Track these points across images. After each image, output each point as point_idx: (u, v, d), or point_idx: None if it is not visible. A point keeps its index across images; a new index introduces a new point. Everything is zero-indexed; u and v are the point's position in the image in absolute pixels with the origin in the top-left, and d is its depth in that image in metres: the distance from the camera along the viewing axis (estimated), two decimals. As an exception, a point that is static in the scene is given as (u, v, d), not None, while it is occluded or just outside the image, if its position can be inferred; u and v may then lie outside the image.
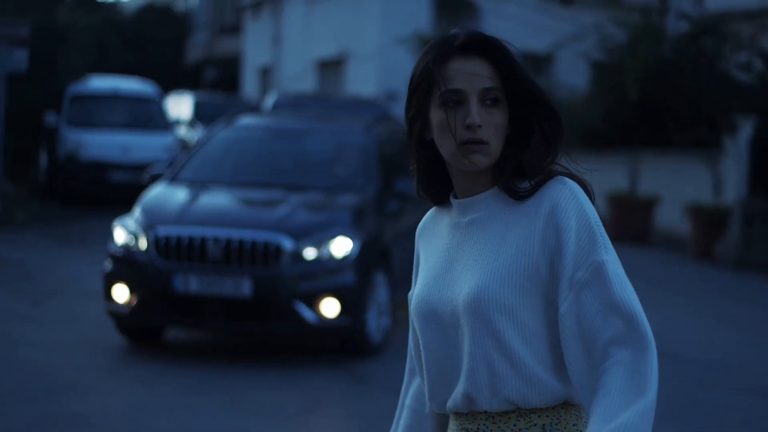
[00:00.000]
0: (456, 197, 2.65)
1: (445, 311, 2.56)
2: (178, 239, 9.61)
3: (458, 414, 2.61)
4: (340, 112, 14.11)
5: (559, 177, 2.55)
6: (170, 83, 38.14)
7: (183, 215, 9.86)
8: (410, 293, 2.73)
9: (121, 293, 9.70)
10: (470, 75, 2.50)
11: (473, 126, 2.48)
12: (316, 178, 10.89)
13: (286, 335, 9.98)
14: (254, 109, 21.67)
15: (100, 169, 21.84)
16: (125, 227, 9.91)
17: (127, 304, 9.68)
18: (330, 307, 9.51)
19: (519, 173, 2.56)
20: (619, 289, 2.45)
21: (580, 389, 2.46)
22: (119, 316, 9.83)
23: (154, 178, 11.23)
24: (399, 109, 24.57)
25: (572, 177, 2.59)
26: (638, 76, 20.15)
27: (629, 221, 19.68)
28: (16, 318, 11.32)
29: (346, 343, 9.91)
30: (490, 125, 2.50)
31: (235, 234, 9.57)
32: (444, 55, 2.53)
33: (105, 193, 21.91)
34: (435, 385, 2.64)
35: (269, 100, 20.21)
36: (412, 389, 2.83)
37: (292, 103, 18.59)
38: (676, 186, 20.15)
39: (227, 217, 9.88)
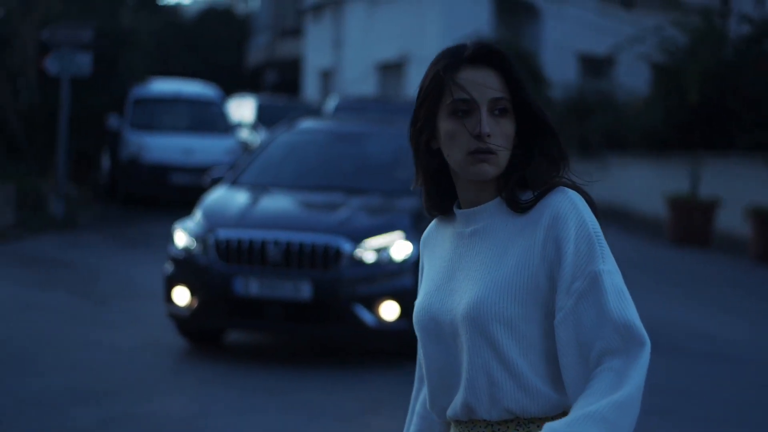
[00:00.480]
0: (459, 207, 2.67)
1: (445, 321, 2.58)
2: (239, 242, 9.70)
3: (458, 422, 2.63)
4: (400, 115, 14.17)
5: (561, 187, 2.55)
6: (231, 86, 38.40)
7: (243, 218, 9.95)
8: (416, 303, 2.75)
9: (181, 296, 9.80)
10: (480, 85, 2.52)
11: (483, 135, 2.50)
12: (376, 181, 10.94)
13: (345, 338, 10.04)
14: (316, 112, 21.78)
15: (162, 171, 22.03)
16: (186, 230, 10.02)
17: (188, 307, 9.78)
18: (389, 310, 9.57)
19: (522, 184, 2.58)
20: (615, 300, 2.45)
21: (572, 398, 2.47)
22: (180, 318, 9.93)
23: (215, 182, 11.34)
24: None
25: (574, 187, 2.58)
26: (699, 79, 20.05)
27: (689, 224, 19.57)
28: (80, 319, 11.47)
29: (405, 346, 9.96)
30: (499, 135, 2.52)
31: (295, 237, 9.65)
32: (454, 65, 2.55)
33: (166, 196, 22.09)
34: (435, 393, 2.66)
35: (331, 103, 20.30)
36: (421, 396, 2.84)
37: (353, 106, 18.67)
38: (737, 188, 20.02)
39: (287, 221, 9.95)
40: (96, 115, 22.57)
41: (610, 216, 22.63)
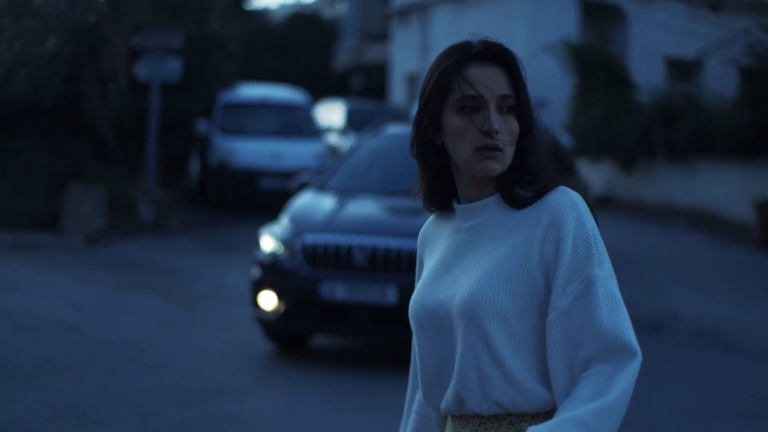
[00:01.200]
0: (459, 203, 2.69)
1: (440, 313, 2.60)
2: (325, 247, 9.81)
3: (453, 417, 2.66)
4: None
5: (562, 187, 2.57)
6: (317, 90, 38.61)
7: (330, 223, 10.05)
8: (413, 296, 2.77)
9: (268, 300, 9.93)
10: (489, 82, 2.54)
11: (491, 132, 2.52)
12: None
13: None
14: (403, 117, 21.84)
15: (250, 176, 22.24)
16: (273, 235, 10.15)
17: (275, 311, 9.90)
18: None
19: (521, 181, 2.60)
20: (607, 308, 2.47)
21: (558, 399, 2.50)
22: (267, 322, 10.07)
23: (302, 186, 11.46)
24: (547, 117, 24.54)
25: (574, 188, 2.60)
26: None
27: (777, 228, 19.38)
28: (171, 322, 11.67)
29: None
30: (506, 132, 2.54)
31: (381, 242, 9.74)
32: (463, 61, 2.57)
33: (254, 200, 22.29)
34: (429, 385, 2.68)
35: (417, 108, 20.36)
36: (418, 394, 2.85)
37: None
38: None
39: (374, 226, 10.04)
40: (185, 120, 22.86)
41: (696, 220, 22.47)
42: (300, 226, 10.10)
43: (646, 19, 30.89)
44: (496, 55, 2.57)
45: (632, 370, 2.45)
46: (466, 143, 2.55)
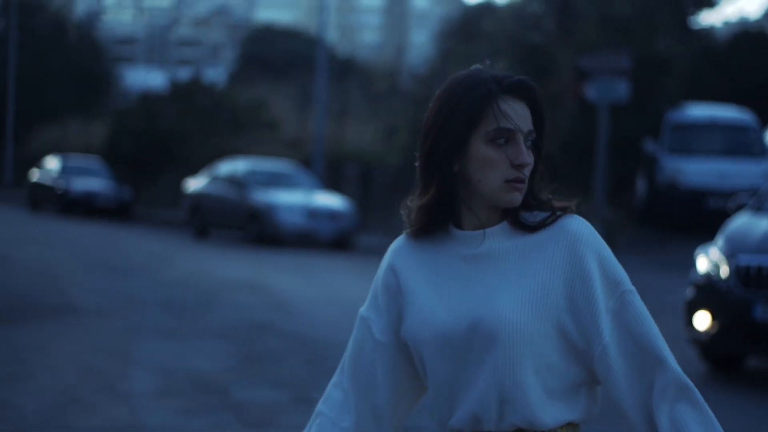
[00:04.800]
0: (459, 228, 2.69)
1: (457, 337, 2.62)
2: (759, 269, 9.76)
3: None
4: None
5: (573, 215, 2.62)
6: (764, 110, 37.57)
7: (765, 244, 9.97)
8: (363, 311, 2.78)
9: (702, 320, 9.99)
10: (520, 116, 2.59)
11: (524, 165, 2.58)
12: None
13: None
14: None
15: (698, 196, 22.15)
16: (707, 255, 10.20)
17: (708, 332, 9.96)
18: None
19: (529, 208, 2.64)
20: (647, 315, 2.62)
21: (629, 410, 2.62)
22: (700, 342, 10.12)
23: (739, 207, 11.42)
24: None
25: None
26: None
27: None
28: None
29: None
30: (530, 166, 2.60)
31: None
32: (497, 93, 2.59)
33: (702, 220, 22.15)
34: (438, 403, 2.70)
35: None
36: (334, 398, 2.82)
37: None
38: None
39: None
40: (632, 140, 23.03)
41: None
42: (735, 246, 10.08)
43: None
44: (524, 90, 2.62)
45: (701, 398, 2.62)
46: (496, 174, 2.58)
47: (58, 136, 44.13)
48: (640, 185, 25.33)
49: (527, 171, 2.58)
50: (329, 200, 24.86)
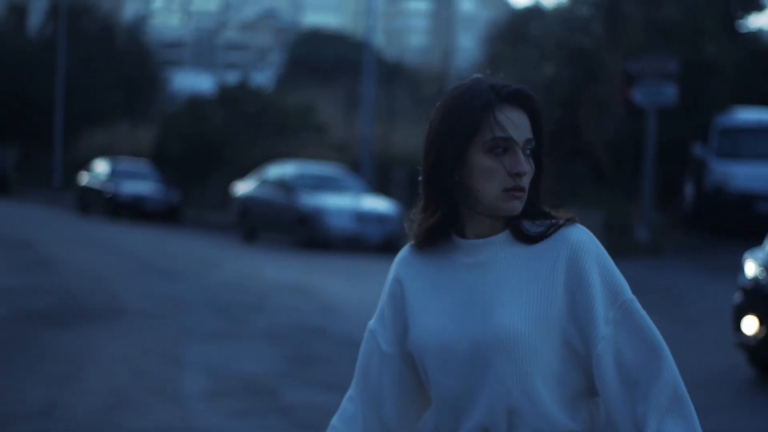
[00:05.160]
0: (462, 237, 2.70)
1: (462, 348, 2.62)
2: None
3: None
4: None
5: (574, 224, 2.63)
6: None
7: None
8: (371, 324, 2.81)
9: (750, 325, 9.96)
10: (518, 125, 2.61)
11: (522, 174, 2.59)
12: None
13: None
14: None
15: (747, 200, 22.04)
16: (756, 260, 10.17)
17: (755, 336, 9.93)
18: None
19: (532, 217, 2.65)
20: (648, 323, 2.59)
21: (621, 421, 2.58)
22: (748, 347, 10.09)
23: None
24: None
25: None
26: None
27: None
28: (666, 340, 11.89)
29: None
30: (528, 174, 2.61)
31: None
32: (494, 102, 2.61)
33: (750, 225, 22.04)
34: (442, 414, 2.71)
35: None
36: (344, 414, 2.86)
37: None
38: None
39: None
40: (680, 144, 22.96)
41: None
42: (783, 253, 10.06)
43: None
44: (522, 99, 2.64)
45: (693, 410, 2.60)
46: (495, 183, 2.60)
47: (107, 139, 44.46)
48: (688, 189, 25.22)
49: (526, 180, 2.60)
50: (377, 204, 24.91)
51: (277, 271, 18.93)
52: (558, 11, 28.20)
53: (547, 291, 2.58)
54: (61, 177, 45.69)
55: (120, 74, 50.88)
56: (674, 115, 21.55)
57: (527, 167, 2.59)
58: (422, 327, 2.68)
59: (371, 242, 23.87)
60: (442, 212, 2.65)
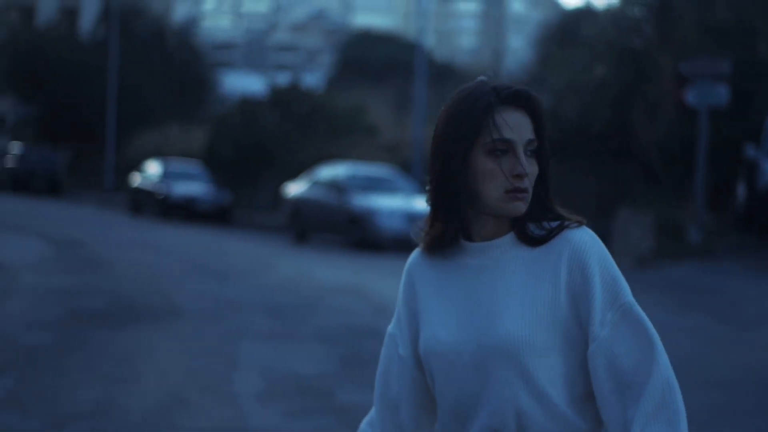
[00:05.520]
0: (470, 240, 2.71)
1: (465, 351, 2.64)
2: None
3: None
4: None
5: (578, 225, 2.64)
6: None
7: None
8: (390, 328, 2.82)
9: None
10: (518, 126, 2.61)
11: (522, 175, 2.59)
12: None
13: None
14: None
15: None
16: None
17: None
18: None
19: (538, 219, 2.66)
20: (646, 327, 2.59)
21: (610, 423, 2.58)
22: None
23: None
24: None
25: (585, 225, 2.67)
26: None
27: None
28: (718, 342, 11.85)
29: None
30: (531, 175, 2.61)
31: None
32: (494, 105, 2.62)
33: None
34: (446, 419, 2.72)
35: None
36: (367, 420, 2.93)
37: None
38: None
39: None
40: (732, 144, 22.83)
41: None
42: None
43: None
44: (523, 99, 2.64)
45: (683, 411, 2.57)
46: (496, 185, 2.60)
47: (158, 140, 44.73)
48: (740, 190, 25.04)
49: (529, 181, 2.61)
50: (428, 205, 24.88)
51: (329, 271, 19.00)
52: (609, 12, 28.11)
53: (551, 294, 2.60)
54: (113, 178, 46.04)
55: (171, 76, 51.19)
56: (726, 115, 21.44)
57: (527, 168, 2.60)
58: (429, 330, 2.70)
59: (423, 243, 23.81)
60: (448, 218, 2.66)
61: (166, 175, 34.28)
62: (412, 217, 23.83)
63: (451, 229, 2.66)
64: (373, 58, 52.87)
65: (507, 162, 2.60)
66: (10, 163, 45.89)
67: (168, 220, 32.32)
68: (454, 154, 2.62)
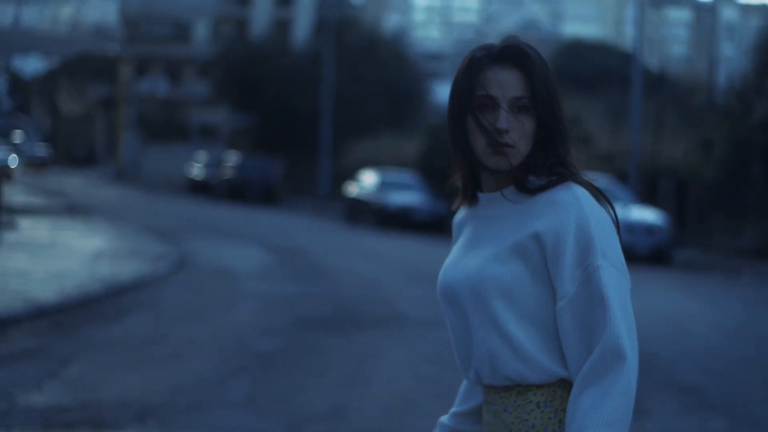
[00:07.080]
0: (481, 191, 2.81)
1: (455, 293, 2.75)
2: None
3: (482, 386, 2.80)
4: None
5: (569, 182, 2.66)
6: None
7: None
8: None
9: None
10: (503, 83, 2.69)
11: (501, 130, 2.64)
12: None
13: None
14: None
15: None
16: None
17: None
18: None
19: (538, 172, 2.70)
20: (605, 293, 2.58)
21: (574, 376, 2.62)
22: None
23: None
24: None
25: (587, 184, 2.69)
26: None
27: None
28: None
29: None
30: (518, 130, 2.65)
31: None
32: (482, 63, 2.70)
33: None
34: (461, 360, 2.82)
35: None
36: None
37: None
38: None
39: None
40: None
41: None
42: None
43: None
44: (514, 56, 2.70)
45: (624, 381, 2.57)
46: (480, 139, 2.70)
47: (372, 150, 45.25)
48: None
49: (513, 136, 2.67)
50: (646, 214, 24.65)
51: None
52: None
53: (525, 241, 2.67)
54: (329, 186, 46.75)
55: (383, 86, 51.75)
56: None
57: (505, 123, 2.67)
58: (440, 274, 2.88)
59: (640, 253, 23.62)
60: (462, 173, 2.81)
61: (383, 185, 34.64)
62: (630, 227, 23.63)
63: (465, 182, 2.82)
64: (585, 67, 52.49)
65: (490, 118, 2.69)
66: (227, 172, 47.05)
67: (384, 229, 32.68)
68: (453, 111, 2.75)
